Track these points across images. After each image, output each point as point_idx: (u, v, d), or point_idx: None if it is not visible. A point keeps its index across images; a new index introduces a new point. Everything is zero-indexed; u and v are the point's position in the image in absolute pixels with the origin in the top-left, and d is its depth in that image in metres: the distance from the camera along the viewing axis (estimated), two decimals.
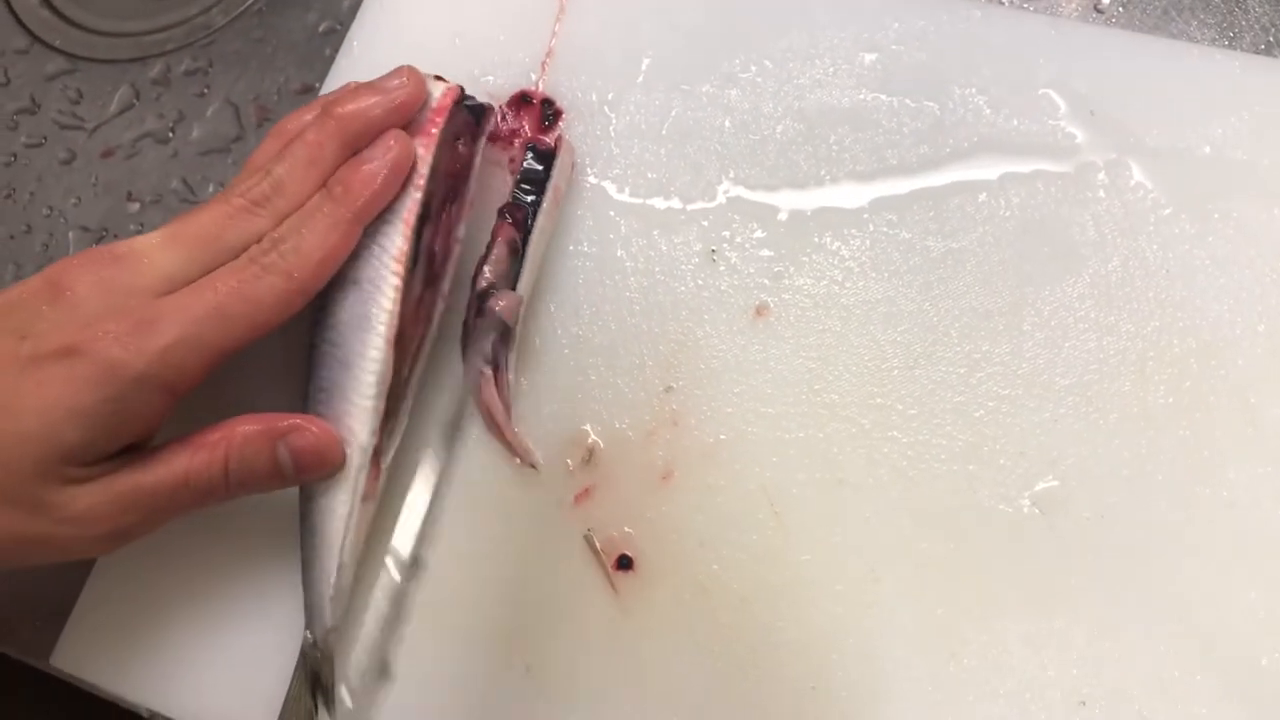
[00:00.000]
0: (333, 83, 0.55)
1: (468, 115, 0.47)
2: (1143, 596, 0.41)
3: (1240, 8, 0.50)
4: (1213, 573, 0.41)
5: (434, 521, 0.46)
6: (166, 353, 0.38)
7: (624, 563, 0.45)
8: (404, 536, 0.46)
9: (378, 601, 0.46)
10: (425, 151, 0.44)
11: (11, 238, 0.68)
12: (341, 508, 0.43)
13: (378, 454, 0.44)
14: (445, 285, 0.47)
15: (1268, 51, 0.49)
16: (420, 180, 0.43)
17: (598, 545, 0.45)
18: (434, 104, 0.45)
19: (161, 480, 0.40)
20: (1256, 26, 0.50)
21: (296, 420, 0.42)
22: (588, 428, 0.47)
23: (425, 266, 0.45)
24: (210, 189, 0.66)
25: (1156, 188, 0.46)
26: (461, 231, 0.47)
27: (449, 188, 0.46)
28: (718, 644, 0.43)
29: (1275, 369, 0.43)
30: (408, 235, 0.43)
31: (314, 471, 0.42)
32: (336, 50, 0.57)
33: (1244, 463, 0.42)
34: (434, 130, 0.44)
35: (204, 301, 0.39)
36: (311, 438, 0.42)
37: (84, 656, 0.47)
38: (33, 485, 0.37)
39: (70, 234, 0.68)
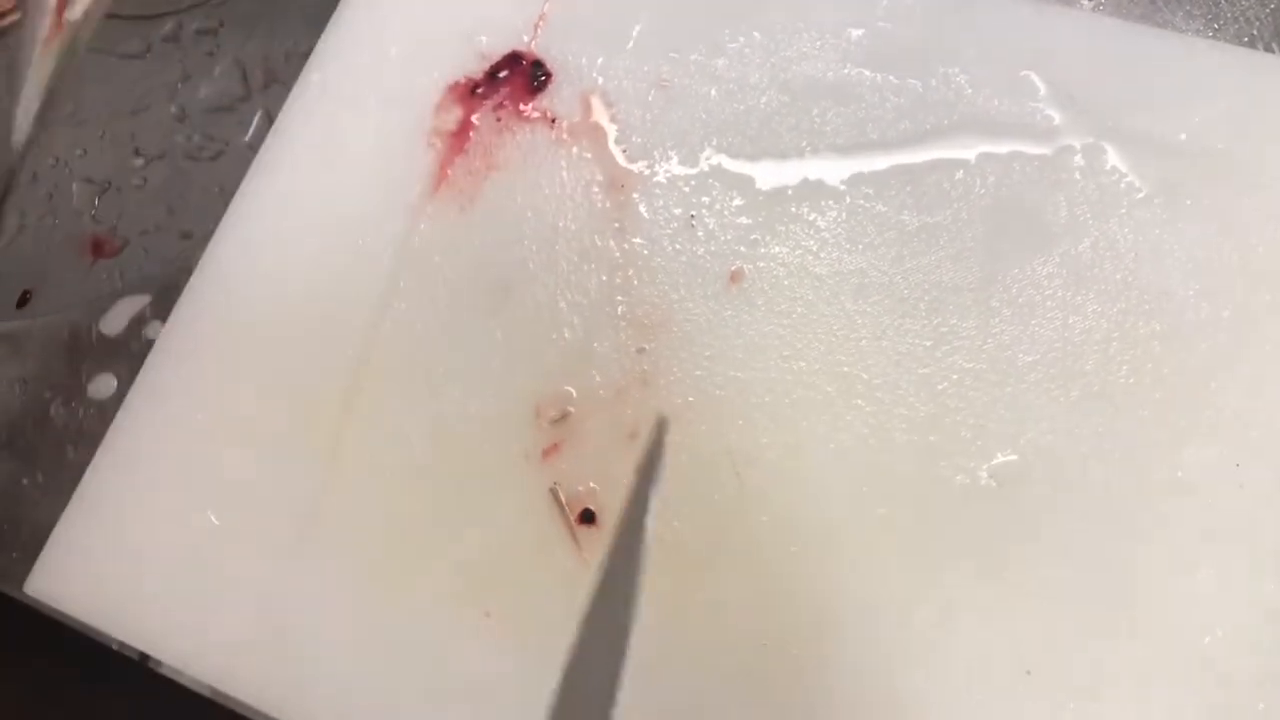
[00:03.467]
0: (328, 40, 0.56)
1: None
2: (1092, 572, 0.42)
3: None
4: (1162, 552, 0.42)
5: (401, 469, 0.47)
6: None
7: (587, 517, 0.46)
8: (369, 481, 0.47)
9: (338, 542, 0.46)
10: None
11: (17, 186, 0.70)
12: None
13: None
14: None
15: (1250, 44, 0.50)
16: None
17: (562, 499, 0.46)
18: None
19: None
20: (1241, 19, 0.50)
21: None
22: (567, 388, 0.48)
23: None
24: (215, 146, 0.66)
25: (1131, 173, 0.47)
26: None
27: None
28: (674, 599, 0.44)
29: (1237, 355, 0.44)
30: None
31: None
32: None
33: (1200, 445, 0.43)
34: None
35: None
36: None
37: (58, 585, 0.48)
38: None
39: (74, 185, 0.70)
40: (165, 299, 0.55)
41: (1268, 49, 0.50)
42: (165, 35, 0.69)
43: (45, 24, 0.42)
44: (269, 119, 0.67)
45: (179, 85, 0.68)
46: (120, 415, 0.50)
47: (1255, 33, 0.50)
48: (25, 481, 0.51)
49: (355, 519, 0.47)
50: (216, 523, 0.47)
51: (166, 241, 0.64)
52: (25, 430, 0.52)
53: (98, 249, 0.69)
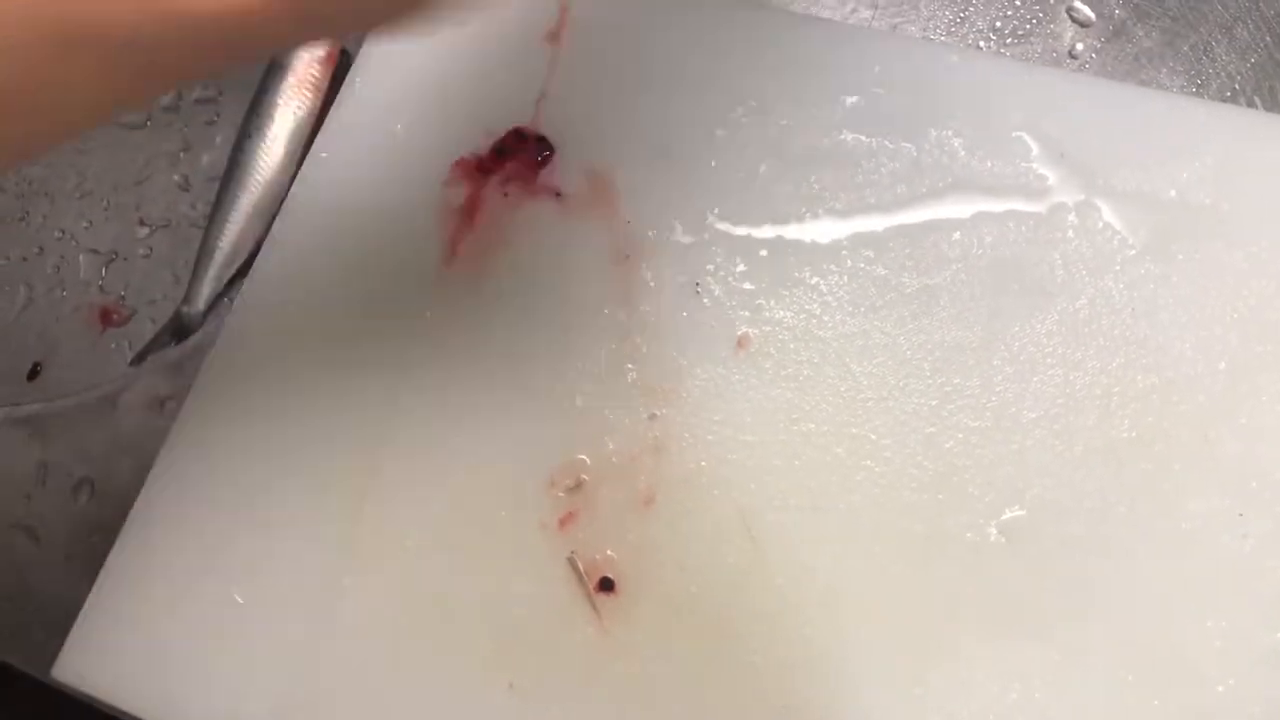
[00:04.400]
0: (335, 117, 0.57)
1: None
2: (1103, 624, 0.43)
3: (1208, 56, 0.52)
4: (1171, 602, 0.43)
5: (421, 541, 0.48)
6: None
7: (606, 584, 0.46)
8: (390, 555, 0.48)
9: (361, 617, 0.47)
10: None
11: (24, 259, 0.71)
12: None
13: None
14: None
15: (1233, 99, 0.51)
16: None
17: (580, 567, 0.47)
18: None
19: None
20: (1223, 74, 0.52)
21: None
22: (581, 457, 0.49)
23: None
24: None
25: (1124, 229, 0.48)
26: None
27: None
28: (695, 664, 0.45)
29: (1234, 405, 0.45)
30: None
31: None
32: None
33: (1203, 495, 0.44)
34: None
35: None
36: None
37: (85, 670, 0.48)
38: None
39: (81, 256, 0.70)
40: (180, 377, 0.56)
41: (1250, 103, 0.51)
42: (166, 105, 0.70)
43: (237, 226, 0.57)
44: None
45: (181, 154, 0.69)
46: (142, 497, 0.51)
47: (1237, 87, 0.52)
48: (48, 566, 0.52)
49: (377, 593, 0.48)
50: (241, 602, 0.48)
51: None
52: (48, 515, 0.53)
53: (106, 319, 0.70)
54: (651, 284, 0.51)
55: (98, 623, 0.49)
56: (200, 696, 0.47)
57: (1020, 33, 0.55)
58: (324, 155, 0.56)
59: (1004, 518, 0.45)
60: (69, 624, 0.49)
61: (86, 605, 0.49)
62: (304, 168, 0.56)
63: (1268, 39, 0.52)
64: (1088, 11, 0.55)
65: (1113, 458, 0.45)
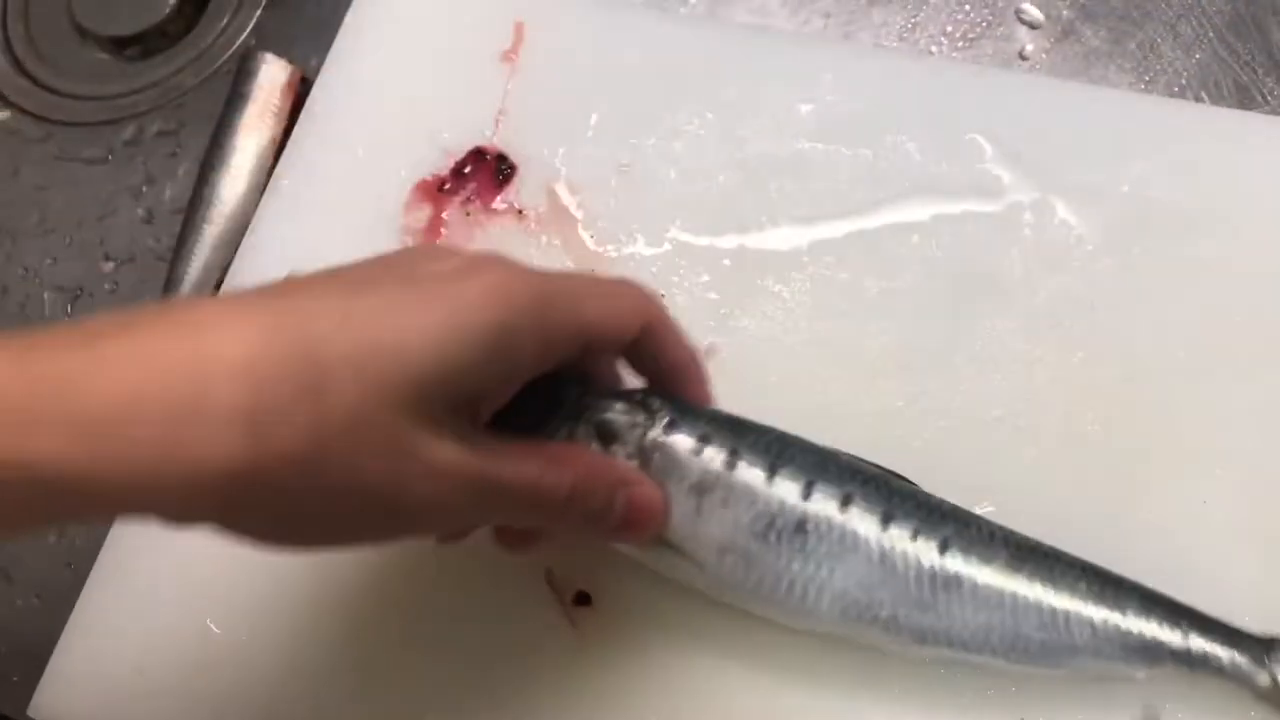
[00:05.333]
0: (296, 145, 0.57)
1: None
2: None
3: (1154, 54, 0.53)
4: None
5: (396, 561, 0.48)
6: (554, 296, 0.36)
7: (582, 599, 0.46)
8: (366, 576, 0.48)
9: (338, 640, 0.47)
10: None
11: None
12: None
13: None
14: None
15: (1180, 94, 0.52)
16: None
17: (557, 583, 0.47)
18: None
19: (516, 475, 0.35)
20: (1170, 71, 0.53)
21: (635, 474, 0.39)
22: None
23: None
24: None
25: (1079, 225, 0.49)
26: None
27: None
28: (671, 676, 0.45)
29: (1195, 397, 0.46)
30: None
31: (635, 531, 0.39)
32: None
33: (1168, 485, 0.44)
34: None
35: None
36: (648, 495, 0.39)
37: (62, 706, 0.48)
38: (398, 418, 0.31)
39: (46, 294, 0.70)
40: None
41: (1196, 98, 0.52)
42: (127, 139, 0.69)
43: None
44: None
45: (144, 188, 0.68)
46: (114, 531, 0.50)
47: (1184, 83, 0.53)
48: (20, 604, 0.52)
49: (353, 615, 0.47)
50: (217, 632, 0.48)
51: None
52: (19, 552, 0.53)
53: None
54: None
55: (73, 658, 0.49)
56: None
57: (971, 36, 0.55)
58: (285, 183, 0.56)
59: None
60: (44, 661, 0.49)
61: (61, 641, 0.49)
62: (266, 196, 0.56)
63: (1210, 35, 0.53)
64: (1036, 13, 0.56)
65: (1078, 451, 0.46)
